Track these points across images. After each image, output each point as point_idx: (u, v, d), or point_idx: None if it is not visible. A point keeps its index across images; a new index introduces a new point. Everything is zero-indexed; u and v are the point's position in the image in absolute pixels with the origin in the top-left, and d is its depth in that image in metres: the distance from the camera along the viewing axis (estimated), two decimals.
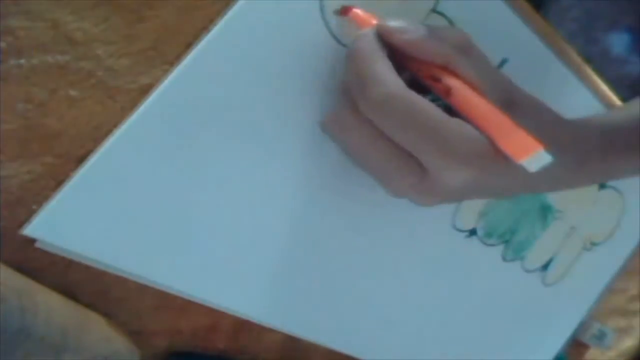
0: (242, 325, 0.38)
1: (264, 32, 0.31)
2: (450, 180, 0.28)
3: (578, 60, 0.41)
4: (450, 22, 0.35)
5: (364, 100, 0.28)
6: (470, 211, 0.42)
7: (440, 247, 0.42)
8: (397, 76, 0.28)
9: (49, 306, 0.28)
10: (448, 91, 0.28)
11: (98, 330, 0.31)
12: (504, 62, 0.38)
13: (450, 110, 0.28)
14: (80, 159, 0.29)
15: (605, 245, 0.51)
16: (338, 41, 0.33)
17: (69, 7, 0.28)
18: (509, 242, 0.45)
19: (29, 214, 0.29)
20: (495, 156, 0.27)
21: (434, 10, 0.35)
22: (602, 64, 0.47)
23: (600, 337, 0.54)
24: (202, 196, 0.32)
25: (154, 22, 0.29)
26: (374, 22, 0.31)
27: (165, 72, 0.30)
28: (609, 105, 0.44)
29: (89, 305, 0.32)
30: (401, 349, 0.43)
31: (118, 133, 0.29)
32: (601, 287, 0.53)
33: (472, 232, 0.42)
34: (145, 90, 0.30)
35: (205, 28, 0.30)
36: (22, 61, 0.27)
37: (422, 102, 0.27)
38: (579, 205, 0.46)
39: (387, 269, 0.40)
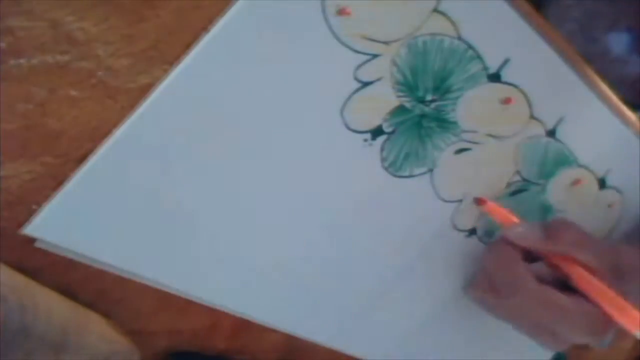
0: (242, 325, 0.38)
1: (264, 32, 0.31)
2: (575, 340, 0.38)
3: (579, 60, 0.41)
4: (452, 22, 0.35)
5: (506, 302, 0.38)
6: (470, 211, 0.42)
7: (440, 247, 0.42)
8: (533, 277, 0.37)
9: (49, 306, 0.28)
10: (568, 276, 0.37)
11: (98, 330, 0.31)
12: (506, 62, 0.38)
13: None
14: (80, 159, 0.29)
15: None
16: (339, 41, 0.33)
17: (69, 7, 0.27)
18: None
19: (29, 214, 0.29)
20: (608, 326, 0.36)
21: (435, 10, 0.35)
22: (602, 64, 0.47)
23: None
24: (201, 196, 0.32)
25: (154, 22, 0.29)
26: (512, 218, 0.39)
27: (165, 72, 0.30)
28: (609, 105, 0.44)
29: (89, 305, 0.32)
30: (401, 349, 0.43)
31: (118, 133, 0.29)
32: None
33: (472, 232, 0.42)
34: (145, 90, 0.30)
35: (205, 28, 0.30)
36: (22, 61, 0.27)
37: (556, 295, 0.36)
38: (579, 205, 0.46)
39: (387, 270, 0.40)
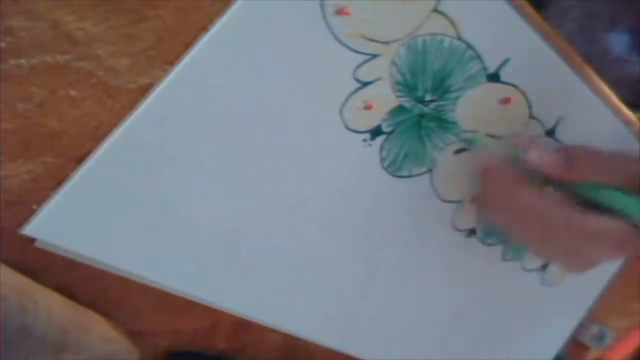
0: (242, 325, 0.38)
1: (264, 32, 0.31)
2: (599, 259, 0.36)
3: (579, 60, 0.41)
4: (451, 22, 0.35)
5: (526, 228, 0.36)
6: (470, 211, 0.42)
7: (440, 247, 0.42)
8: (552, 201, 0.35)
9: (49, 306, 0.28)
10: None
11: (98, 330, 0.31)
12: (505, 61, 0.38)
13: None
14: (80, 159, 0.29)
15: None
16: (338, 41, 0.33)
17: (69, 7, 0.28)
18: (509, 242, 0.45)
19: (29, 214, 0.29)
20: (633, 238, 0.34)
21: (435, 10, 0.35)
22: (602, 64, 0.47)
23: (600, 337, 0.55)
24: (201, 196, 0.32)
25: (154, 22, 0.29)
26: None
27: (165, 72, 0.30)
28: (609, 105, 0.44)
29: (89, 305, 0.32)
30: (401, 349, 0.43)
31: (118, 133, 0.29)
32: (601, 287, 0.53)
33: (472, 232, 0.42)
34: (145, 90, 0.30)
35: (205, 28, 0.30)
36: (22, 61, 0.27)
37: (572, 211, 0.34)
38: None
39: (387, 269, 0.40)
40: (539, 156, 0.35)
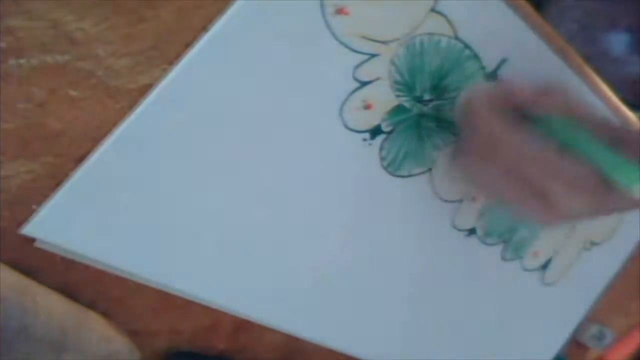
0: (242, 325, 0.38)
1: (264, 32, 0.31)
2: (569, 206, 0.33)
3: (578, 60, 0.41)
4: (449, 21, 0.35)
5: (500, 155, 0.34)
6: (470, 210, 0.42)
7: (440, 246, 0.42)
8: (520, 128, 0.33)
9: (49, 306, 0.28)
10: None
11: (98, 330, 0.31)
12: (503, 61, 0.38)
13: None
14: (80, 159, 0.29)
15: (605, 245, 0.51)
16: (338, 41, 0.33)
17: (69, 7, 0.28)
18: (509, 241, 0.45)
19: (29, 214, 0.29)
20: (606, 187, 0.32)
21: (433, 10, 0.35)
22: (602, 64, 0.47)
23: (600, 337, 0.54)
24: (201, 196, 0.32)
25: (154, 22, 0.29)
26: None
27: (165, 72, 0.30)
28: (609, 105, 0.44)
29: (89, 305, 0.32)
30: (400, 348, 0.43)
31: (117, 133, 0.29)
32: (601, 287, 0.53)
33: (472, 232, 0.42)
34: (145, 90, 0.30)
35: (205, 28, 0.30)
36: (22, 61, 0.27)
37: (550, 149, 0.33)
38: None
39: (387, 268, 0.40)
40: (519, 81, 0.34)
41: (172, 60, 0.30)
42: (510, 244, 0.45)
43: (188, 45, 0.30)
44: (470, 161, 0.37)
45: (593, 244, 0.50)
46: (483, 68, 0.37)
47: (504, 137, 0.33)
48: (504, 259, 0.45)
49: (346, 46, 0.33)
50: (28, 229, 0.29)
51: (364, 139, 0.36)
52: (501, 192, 0.35)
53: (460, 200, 0.41)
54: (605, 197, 0.33)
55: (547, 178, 0.33)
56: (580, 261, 0.50)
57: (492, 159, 0.34)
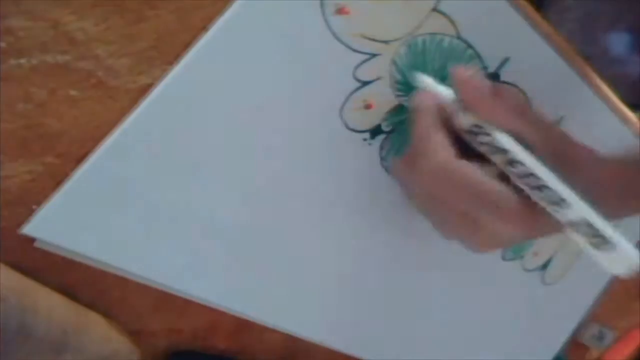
0: (242, 325, 0.38)
1: (264, 32, 0.31)
2: (499, 234, 0.32)
3: (579, 60, 0.41)
4: (451, 21, 0.35)
5: (419, 171, 0.32)
6: None
7: (440, 246, 0.42)
8: (450, 147, 0.31)
9: (49, 306, 0.28)
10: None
11: (98, 330, 0.31)
12: (505, 61, 0.38)
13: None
14: (80, 159, 0.29)
15: None
16: (338, 40, 0.33)
17: (69, 7, 0.28)
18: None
19: (29, 214, 0.29)
20: (536, 215, 0.30)
21: (435, 10, 0.35)
22: (602, 64, 0.47)
23: (600, 337, 0.54)
24: (201, 196, 0.32)
25: (154, 22, 0.29)
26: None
27: (165, 72, 0.30)
28: (609, 105, 0.44)
29: (89, 305, 0.32)
30: (401, 348, 0.43)
31: (117, 133, 0.29)
32: (601, 287, 0.53)
33: None
34: (145, 90, 0.30)
35: (205, 28, 0.30)
36: (22, 61, 0.27)
37: (472, 171, 0.31)
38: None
39: (387, 269, 0.40)
40: (469, 76, 0.32)
41: (172, 60, 0.30)
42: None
43: (188, 45, 0.30)
44: (401, 166, 0.35)
45: None
46: (485, 68, 0.37)
47: (430, 149, 0.31)
48: (503, 259, 0.45)
49: (346, 46, 0.33)
50: (28, 229, 0.29)
51: (364, 139, 0.36)
52: (426, 211, 0.34)
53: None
54: (535, 220, 0.31)
55: (474, 205, 0.31)
56: (580, 261, 0.50)
57: (417, 174, 0.32)
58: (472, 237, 0.33)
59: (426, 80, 0.34)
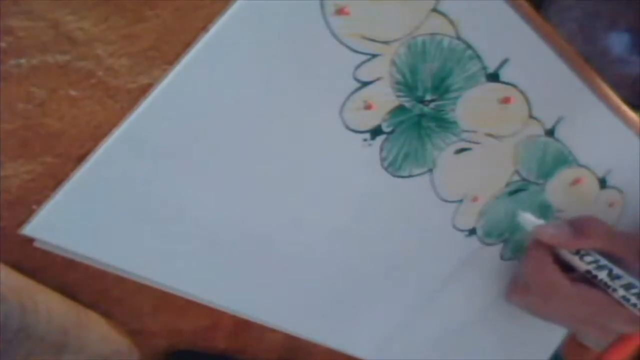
0: (242, 325, 0.38)
1: (264, 32, 0.31)
2: (621, 330, 0.40)
3: (579, 60, 0.41)
4: (451, 21, 0.35)
5: (546, 304, 0.41)
6: (470, 211, 0.42)
7: (440, 246, 0.42)
8: (565, 278, 0.39)
9: (49, 306, 0.28)
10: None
11: (98, 330, 0.31)
12: (505, 61, 0.38)
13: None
14: (80, 159, 0.29)
15: None
16: (338, 41, 0.33)
17: (69, 7, 0.28)
18: (508, 241, 0.45)
19: (29, 214, 0.29)
20: None
21: (434, 10, 0.35)
22: (602, 64, 0.47)
23: None
24: (201, 196, 0.32)
25: (154, 22, 0.29)
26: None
27: (165, 72, 0.30)
28: (609, 105, 0.44)
29: (89, 305, 0.32)
30: (400, 348, 0.43)
31: (117, 133, 0.29)
32: None
33: (472, 232, 0.42)
34: (145, 90, 0.30)
35: (205, 28, 0.30)
36: (22, 61, 0.27)
37: (588, 291, 0.39)
38: (579, 205, 0.46)
39: (387, 269, 0.40)
40: (552, 233, 0.40)
41: (172, 60, 0.30)
42: (510, 243, 0.45)
43: (188, 45, 0.30)
44: (531, 300, 0.43)
45: None
46: (485, 68, 0.37)
47: (559, 286, 0.39)
48: (504, 259, 0.45)
49: (346, 46, 0.33)
50: (28, 229, 0.29)
51: (365, 140, 0.36)
52: (563, 325, 0.43)
53: (460, 201, 0.41)
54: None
55: (598, 315, 0.39)
56: None
57: (547, 303, 0.40)
58: (601, 335, 0.41)
59: (535, 221, 0.42)
